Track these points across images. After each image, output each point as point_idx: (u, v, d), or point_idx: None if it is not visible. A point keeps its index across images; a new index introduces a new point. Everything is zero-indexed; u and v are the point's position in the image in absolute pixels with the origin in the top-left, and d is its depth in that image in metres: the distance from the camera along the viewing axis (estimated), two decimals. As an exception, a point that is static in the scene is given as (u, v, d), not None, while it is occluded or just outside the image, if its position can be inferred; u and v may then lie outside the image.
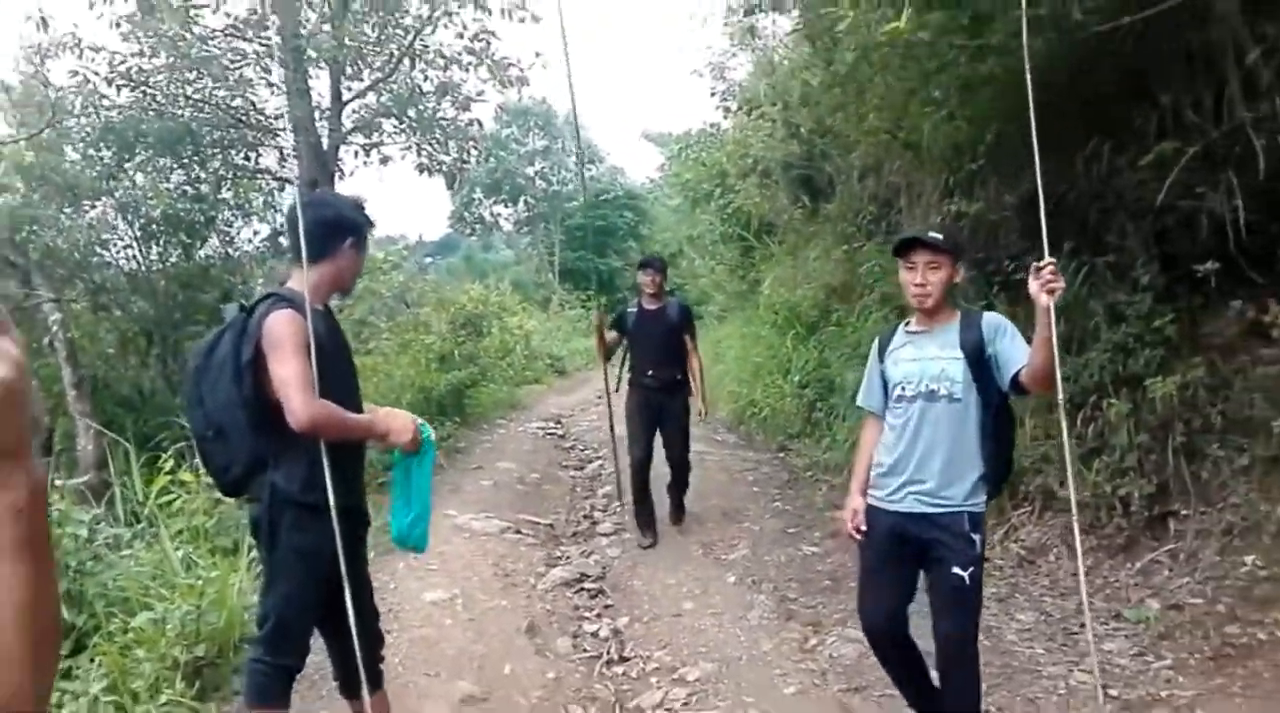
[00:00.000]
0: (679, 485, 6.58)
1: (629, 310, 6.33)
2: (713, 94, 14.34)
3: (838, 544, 6.37)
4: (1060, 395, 2.76)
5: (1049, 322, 2.63)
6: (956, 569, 2.93)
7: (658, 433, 6.27)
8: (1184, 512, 4.97)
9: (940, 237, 2.98)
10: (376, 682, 2.95)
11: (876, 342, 3.28)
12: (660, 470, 6.47)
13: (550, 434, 11.43)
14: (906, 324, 3.18)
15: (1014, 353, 2.88)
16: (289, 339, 2.60)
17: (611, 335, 6.30)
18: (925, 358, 3.02)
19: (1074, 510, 3.05)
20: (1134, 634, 4.41)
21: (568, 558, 6.04)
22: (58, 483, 4.44)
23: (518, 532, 6.46)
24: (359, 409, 2.89)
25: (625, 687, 4.03)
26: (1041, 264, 2.66)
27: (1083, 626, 4.68)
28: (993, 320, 3.01)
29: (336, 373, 2.71)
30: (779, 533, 6.75)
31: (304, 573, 2.76)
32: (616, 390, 6.48)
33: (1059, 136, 6.08)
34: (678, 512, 6.67)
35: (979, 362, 2.93)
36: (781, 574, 5.76)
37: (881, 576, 3.14)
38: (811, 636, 4.69)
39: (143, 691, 3.28)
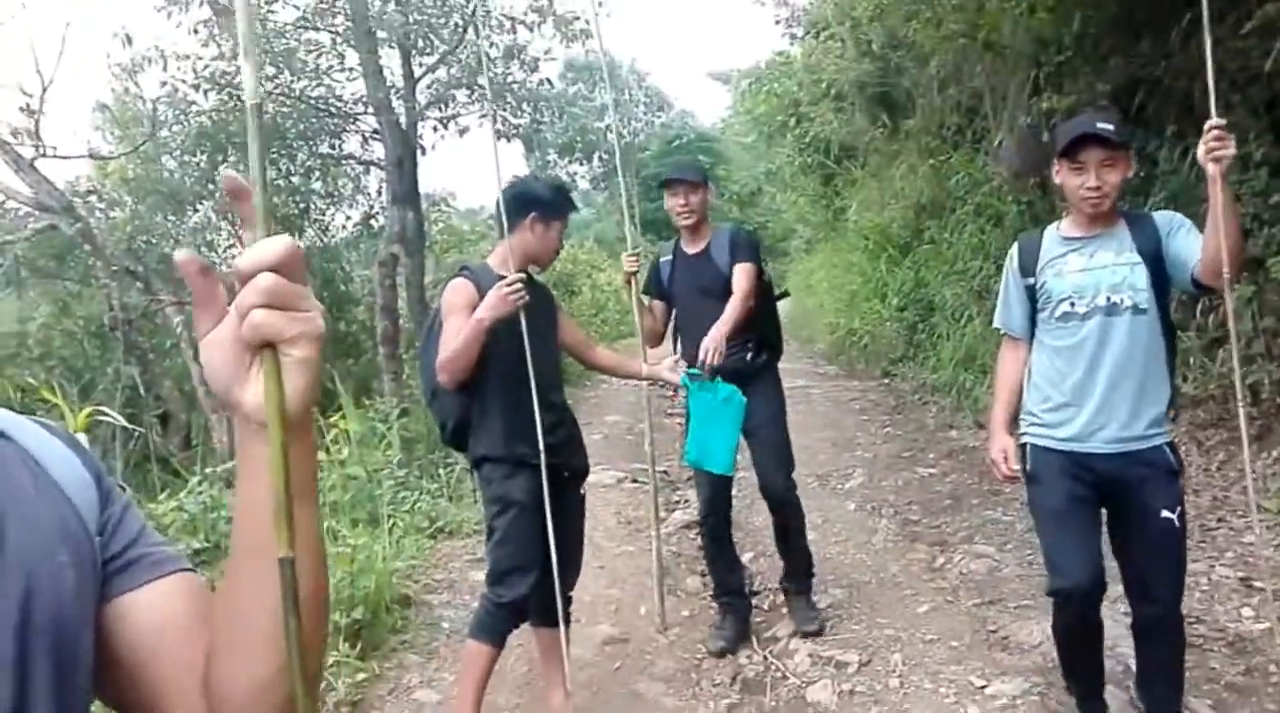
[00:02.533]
0: (785, 540, 3.96)
1: (662, 260, 3.95)
2: (777, 22, 14.03)
3: (955, 464, 6.33)
4: (1226, 272, 2.33)
5: (1219, 193, 2.27)
6: (1165, 512, 2.54)
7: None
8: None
9: (1113, 128, 2.52)
10: (567, 618, 3.14)
11: (1016, 253, 2.81)
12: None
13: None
14: (1057, 228, 2.76)
15: (1192, 245, 2.51)
16: (451, 304, 2.94)
17: (654, 305, 3.97)
18: (1099, 267, 2.60)
19: (1239, 396, 2.55)
20: (1275, 525, 4.28)
21: (686, 501, 6.14)
22: (208, 470, 4.73)
23: (634, 480, 6.59)
24: (553, 365, 3.14)
25: (759, 619, 4.12)
26: (1209, 125, 2.28)
27: (1220, 520, 4.57)
28: (1165, 217, 2.65)
29: (517, 335, 2.80)
30: (894, 458, 6.73)
31: (506, 522, 3.00)
32: (675, 393, 4.25)
33: (1151, 13, 5.80)
34: (795, 584, 4.00)
35: (1158, 265, 2.56)
36: (901, 498, 5.75)
37: (1074, 522, 2.63)
38: (939, 555, 4.70)
39: (311, 654, 3.51)
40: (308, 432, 0.73)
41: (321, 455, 5.45)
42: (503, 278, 2.88)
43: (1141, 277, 2.55)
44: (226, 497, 4.29)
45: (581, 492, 3.27)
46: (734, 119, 24.94)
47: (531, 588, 3.01)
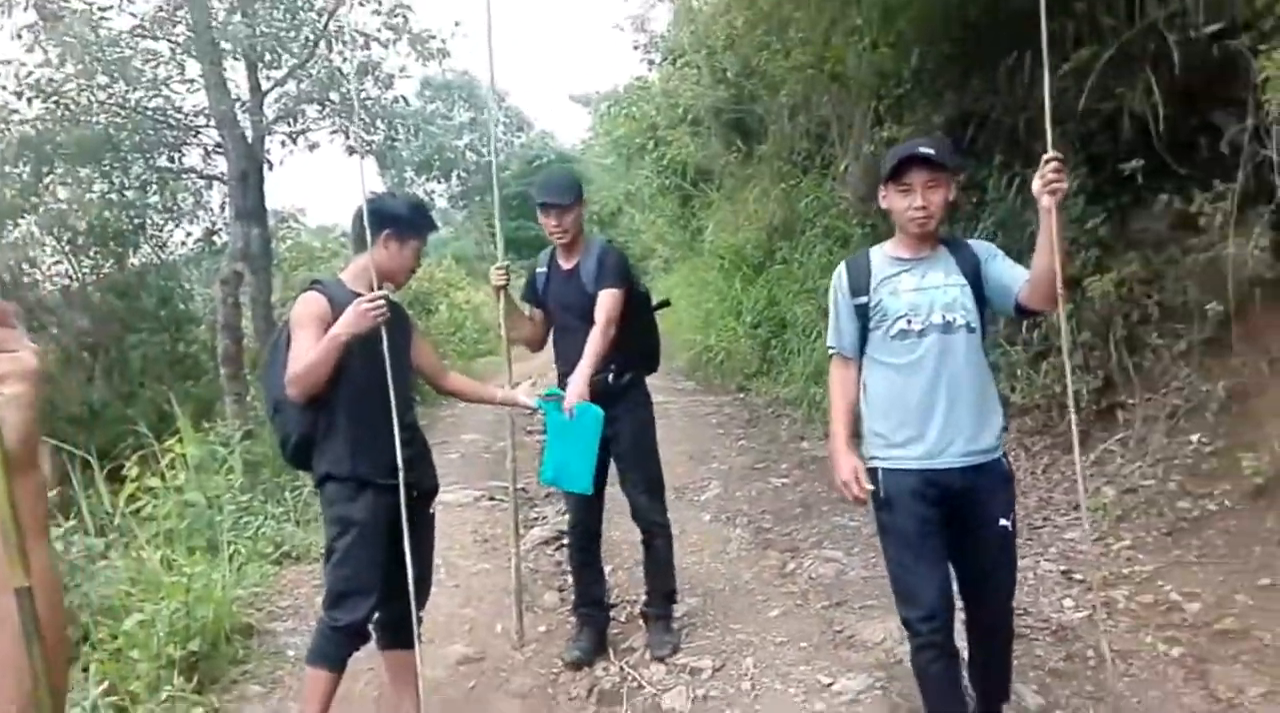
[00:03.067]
0: (653, 562, 3.92)
1: (538, 271, 3.89)
2: (636, 47, 14.33)
3: (806, 474, 6.55)
4: (1062, 305, 2.50)
5: (1051, 225, 2.37)
6: (1002, 520, 2.62)
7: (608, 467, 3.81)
8: (1130, 401, 5.18)
9: (934, 152, 2.59)
10: (417, 638, 3.07)
11: (844, 273, 2.79)
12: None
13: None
14: (883, 250, 2.77)
15: (1013, 273, 2.62)
16: (301, 317, 2.87)
17: (526, 312, 3.89)
18: (932, 286, 2.64)
19: (1071, 404, 2.80)
20: (1093, 521, 4.61)
21: (544, 518, 6.11)
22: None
23: (491, 499, 6.52)
24: (406, 384, 3.04)
25: (615, 631, 4.13)
26: (1047, 158, 2.39)
27: (1045, 519, 4.89)
28: (982, 245, 2.75)
29: (370, 352, 2.76)
30: (747, 469, 6.89)
31: (346, 543, 2.91)
32: (535, 410, 3.67)
33: (981, 53, 6.21)
34: (656, 611, 3.93)
35: (979, 289, 2.64)
36: (755, 507, 5.90)
37: (926, 551, 2.63)
38: (790, 560, 4.84)
39: (141, 690, 3.30)
40: (33, 467, 0.75)
41: (156, 482, 5.14)
42: (357, 295, 2.84)
43: (969, 297, 2.62)
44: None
45: (431, 511, 3.19)
46: (594, 141, 25.18)
47: (370, 611, 2.95)
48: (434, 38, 9.28)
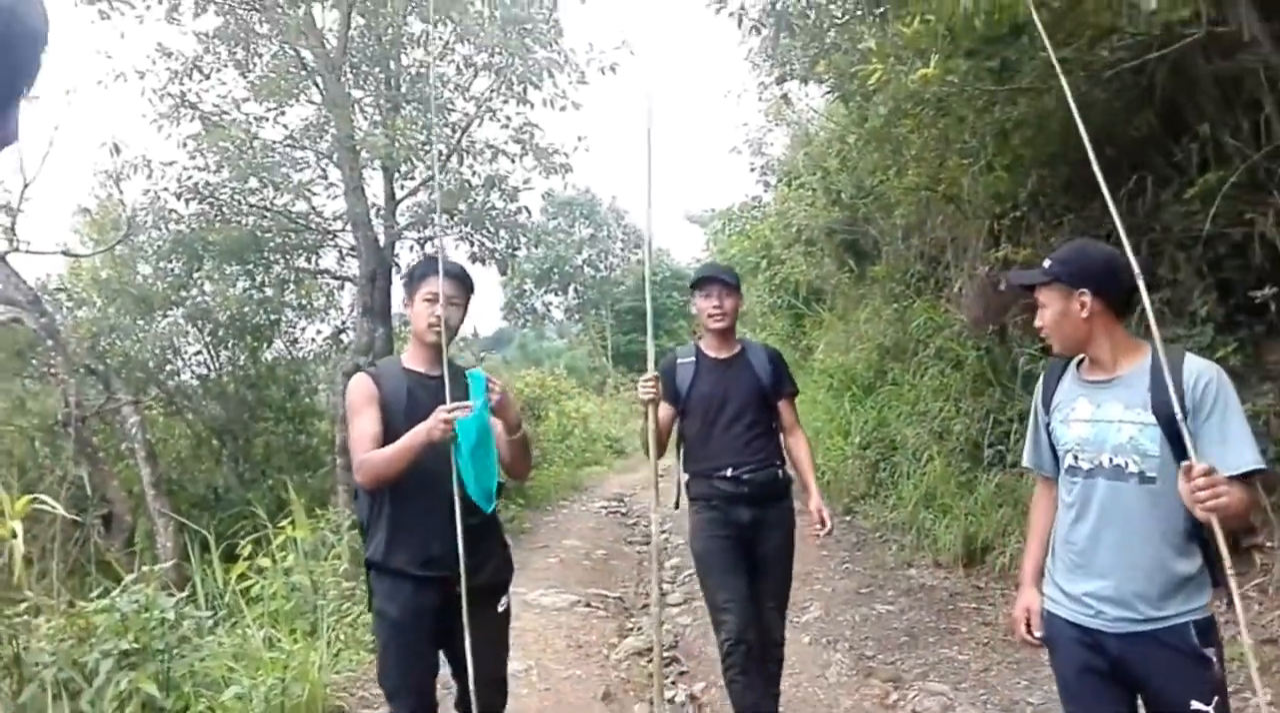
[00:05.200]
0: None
1: (680, 361, 3.62)
2: (752, 169, 14.70)
3: (913, 602, 6.26)
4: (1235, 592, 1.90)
5: (1221, 546, 1.89)
6: (1197, 704, 2.13)
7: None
8: (1269, 544, 4.81)
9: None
10: None
11: (1040, 385, 2.49)
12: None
13: (613, 512, 11.43)
14: (1079, 365, 2.39)
15: (1218, 450, 2.07)
16: (350, 403, 2.79)
17: (664, 411, 3.52)
18: (1105, 420, 2.24)
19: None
20: (1230, 673, 4.23)
21: (639, 628, 6.00)
22: (144, 569, 4.58)
23: (588, 605, 6.45)
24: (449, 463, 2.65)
25: (706, 750, 3.98)
26: (1187, 465, 1.94)
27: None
28: (1199, 370, 2.16)
29: (410, 427, 2.62)
30: (851, 593, 6.64)
31: (387, 637, 2.80)
32: (676, 506, 3.74)
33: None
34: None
35: (1175, 430, 2.05)
36: (857, 633, 5.66)
37: (1087, 709, 2.32)
38: (893, 691, 4.60)
39: (233, 764, 3.34)
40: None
41: (267, 563, 5.32)
42: (412, 372, 2.81)
43: (1153, 440, 2.15)
44: (161, 598, 4.14)
45: (501, 608, 2.93)
46: (707, 259, 25.64)
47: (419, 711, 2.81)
48: (558, 152, 9.76)
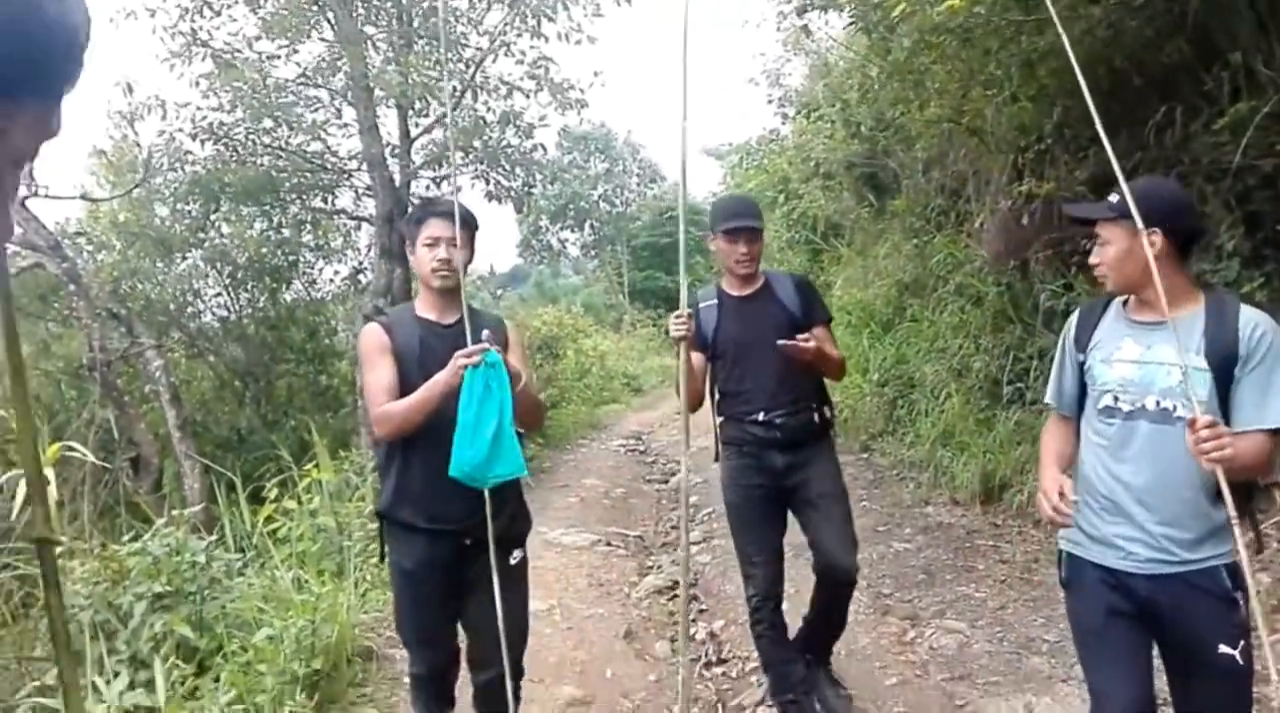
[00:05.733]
0: (831, 617, 3.64)
1: (703, 305, 3.44)
2: (769, 101, 14.41)
3: (930, 540, 6.31)
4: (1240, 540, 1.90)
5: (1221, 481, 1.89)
6: (1224, 647, 2.12)
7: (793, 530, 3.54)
8: (1292, 482, 4.80)
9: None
10: (516, 696, 2.77)
11: (1074, 323, 2.45)
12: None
13: (632, 451, 11.52)
14: (1124, 303, 2.34)
15: (1258, 400, 2.10)
16: (363, 354, 2.77)
17: (695, 358, 3.36)
18: (1156, 362, 2.21)
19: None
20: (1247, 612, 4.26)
21: (659, 567, 6.09)
22: (173, 513, 4.67)
23: (608, 544, 6.54)
24: None
25: (725, 687, 4.06)
26: (1190, 420, 1.96)
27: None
28: (1255, 320, 2.13)
29: (425, 378, 2.57)
30: (869, 531, 6.68)
31: (401, 589, 2.82)
32: (716, 459, 3.57)
33: (1128, 107, 5.99)
34: (824, 657, 3.78)
35: (1227, 377, 2.11)
36: (874, 571, 5.71)
37: (1111, 650, 2.28)
38: (910, 628, 4.65)
39: (266, 703, 3.43)
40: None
41: (293, 505, 5.41)
42: (424, 320, 2.74)
43: (1203, 384, 2.12)
44: (191, 542, 4.22)
45: (512, 561, 2.77)
46: (724, 193, 25.36)
47: (436, 668, 2.85)
48: (573, 88, 9.61)
